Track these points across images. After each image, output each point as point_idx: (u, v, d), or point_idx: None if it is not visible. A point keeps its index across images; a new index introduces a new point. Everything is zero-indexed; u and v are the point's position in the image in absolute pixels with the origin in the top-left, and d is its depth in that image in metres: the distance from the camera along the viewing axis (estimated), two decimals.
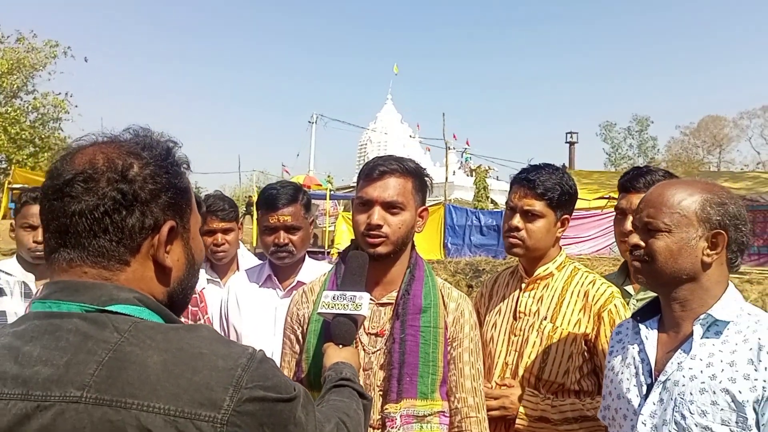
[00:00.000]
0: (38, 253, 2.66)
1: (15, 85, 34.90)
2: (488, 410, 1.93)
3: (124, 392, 0.85)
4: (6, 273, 2.41)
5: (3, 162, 35.45)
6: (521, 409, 1.99)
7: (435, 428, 1.76)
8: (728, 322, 1.50)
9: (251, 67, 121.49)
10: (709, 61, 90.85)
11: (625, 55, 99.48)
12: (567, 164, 32.28)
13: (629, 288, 2.29)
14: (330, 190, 24.41)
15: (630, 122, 56.66)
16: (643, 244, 1.56)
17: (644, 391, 1.56)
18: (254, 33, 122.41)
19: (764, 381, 1.39)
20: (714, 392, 1.42)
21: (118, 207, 0.94)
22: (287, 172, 38.64)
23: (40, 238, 2.65)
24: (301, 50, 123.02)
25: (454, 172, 42.90)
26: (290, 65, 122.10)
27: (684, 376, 1.47)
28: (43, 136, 35.50)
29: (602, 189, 16.08)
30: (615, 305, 2.01)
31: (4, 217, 27.17)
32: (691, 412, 1.44)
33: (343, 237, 17.38)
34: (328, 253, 16.87)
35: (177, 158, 1.05)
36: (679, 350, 1.52)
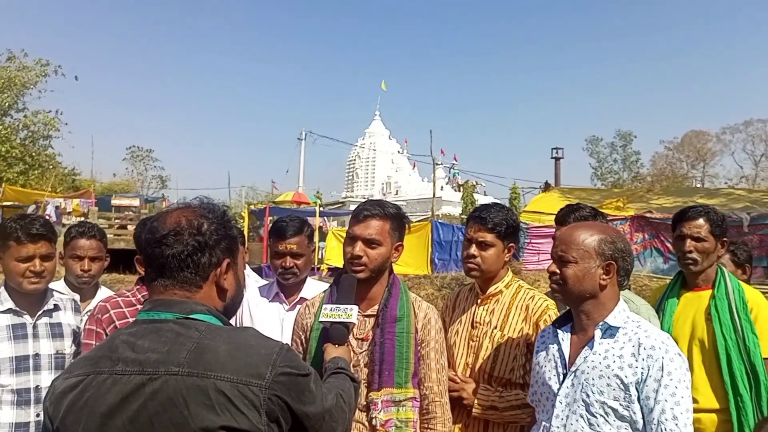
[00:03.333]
0: (84, 279, 3.18)
1: (6, 104, 34.88)
2: (450, 396, 2.46)
3: (205, 368, 1.36)
4: (59, 292, 2.90)
5: None
6: (476, 401, 2.50)
7: (409, 411, 2.30)
8: (619, 328, 2.01)
9: (241, 84, 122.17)
10: (691, 76, 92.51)
11: (610, 71, 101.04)
12: (553, 180, 32.91)
13: None
14: (319, 206, 24.86)
15: (614, 137, 57.26)
16: (558, 271, 2.09)
17: (561, 379, 2.08)
18: (244, 51, 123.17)
19: (642, 368, 1.91)
20: (608, 377, 1.94)
21: (196, 251, 1.47)
22: (276, 188, 39.06)
23: (87, 267, 3.16)
24: (291, 68, 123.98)
25: (442, 187, 43.40)
26: (280, 83, 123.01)
27: (588, 367, 2.00)
28: (33, 154, 35.51)
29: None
30: (549, 315, 2.53)
31: None
32: (592, 392, 1.96)
33: (334, 253, 17.77)
34: (318, 269, 17.28)
35: (229, 217, 1.59)
36: (585, 348, 2.05)
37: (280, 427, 1.40)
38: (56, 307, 2.76)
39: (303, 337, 2.42)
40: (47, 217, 3.44)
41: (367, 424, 2.28)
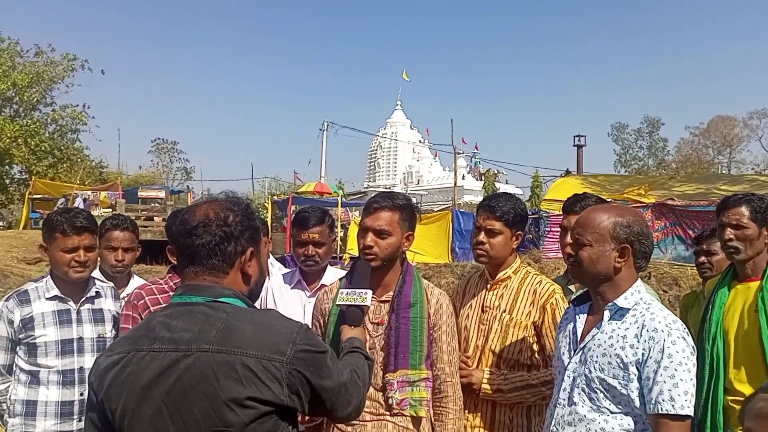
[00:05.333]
0: (118, 268, 3.38)
1: (34, 98, 35.40)
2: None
3: (233, 345, 1.51)
4: (100, 280, 3.11)
5: (23, 173, 36.26)
6: (484, 385, 2.63)
7: (422, 390, 2.45)
8: (628, 309, 2.05)
9: (264, 76, 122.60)
10: (718, 61, 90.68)
11: (633, 57, 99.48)
12: (575, 167, 32.69)
13: (572, 287, 2.94)
14: (341, 196, 25.02)
15: (641, 123, 56.41)
16: (574, 253, 2.16)
17: (571, 354, 2.17)
18: (267, 43, 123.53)
19: (643, 349, 1.95)
20: (610, 356, 2.01)
21: (223, 241, 1.63)
22: (299, 179, 39.12)
23: (120, 257, 3.36)
24: (312, 59, 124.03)
25: (463, 176, 43.23)
26: (302, 74, 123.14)
27: (594, 344, 2.08)
28: (61, 147, 36.06)
29: (605, 192, 16.42)
30: (555, 299, 2.66)
31: (25, 227, 27.98)
32: (594, 369, 2.04)
33: (356, 243, 17.87)
34: (340, 258, 17.44)
35: (252, 209, 1.74)
36: (595, 327, 2.09)
37: (300, 399, 1.56)
38: (98, 294, 2.95)
39: (322, 320, 2.59)
40: None
41: (383, 403, 2.44)
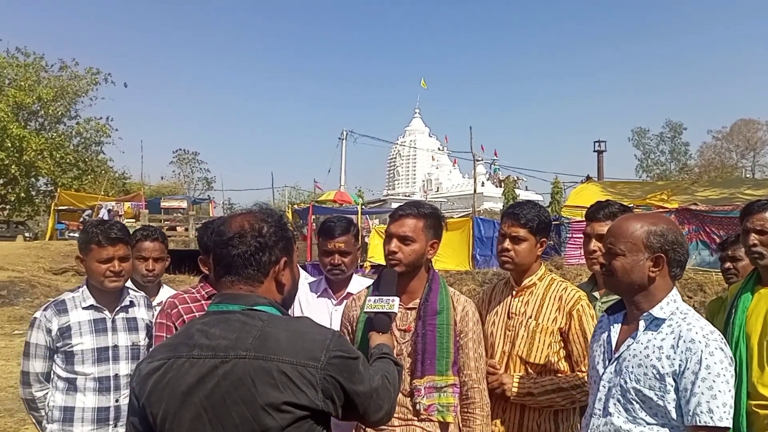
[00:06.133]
0: (149, 278, 3.46)
1: (59, 112, 35.97)
2: (489, 387, 2.63)
3: (269, 352, 1.56)
4: (134, 290, 3.18)
5: (49, 185, 36.90)
6: (514, 388, 2.64)
7: (449, 396, 2.48)
8: (664, 319, 2.01)
9: (283, 87, 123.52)
10: (741, 63, 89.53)
11: (653, 61, 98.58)
12: (596, 173, 32.45)
13: (596, 293, 2.96)
14: (361, 204, 25.09)
15: (663, 128, 55.93)
16: (607, 263, 2.13)
17: (606, 364, 2.15)
18: (287, 55, 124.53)
19: (680, 360, 1.91)
20: (646, 367, 1.96)
21: (258, 251, 1.68)
22: (319, 188, 39.33)
23: (151, 267, 3.45)
24: (331, 69, 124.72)
25: (483, 183, 43.10)
26: (321, 84, 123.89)
27: (629, 354, 2.06)
28: (86, 159, 36.62)
29: (626, 199, 16.30)
30: (582, 306, 2.67)
31: (51, 238, 28.41)
32: (630, 379, 1.99)
33: (377, 250, 17.99)
34: (361, 266, 17.50)
35: (285, 221, 1.80)
36: (630, 337, 2.06)
37: (334, 404, 1.60)
38: (131, 303, 3.03)
39: (350, 327, 2.64)
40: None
41: (411, 408, 2.47)
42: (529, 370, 2.70)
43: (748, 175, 45.21)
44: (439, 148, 54.93)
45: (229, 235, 1.69)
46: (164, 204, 30.14)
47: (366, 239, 20.15)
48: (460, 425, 2.54)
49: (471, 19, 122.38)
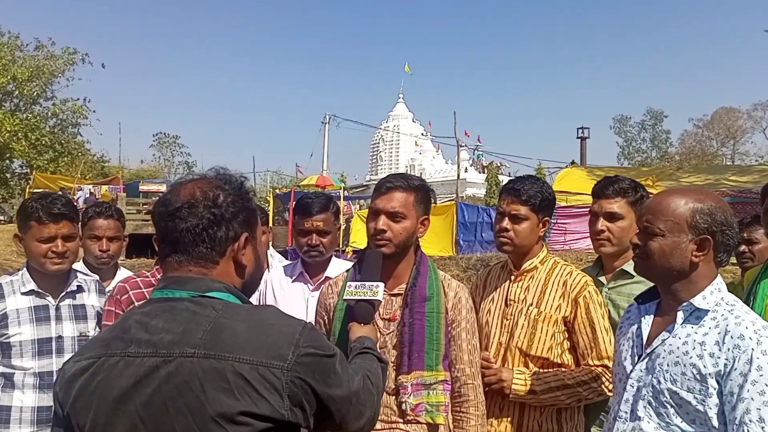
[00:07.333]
0: (103, 259, 3.13)
1: (34, 92, 35.40)
2: (485, 383, 2.35)
3: (223, 349, 1.26)
4: (84, 273, 2.85)
5: (24, 167, 36.14)
6: (514, 386, 2.37)
7: (440, 394, 2.18)
8: (707, 311, 1.74)
9: (265, 70, 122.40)
10: (722, 53, 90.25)
11: (635, 50, 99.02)
12: (579, 159, 32.47)
13: (602, 278, 2.67)
14: (344, 189, 24.83)
15: (644, 116, 56.53)
16: (641, 243, 1.83)
17: (636, 360, 1.87)
18: (268, 35, 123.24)
19: (726, 359, 1.63)
20: (684, 365, 1.69)
21: (212, 224, 1.37)
22: (301, 172, 39.02)
23: (105, 247, 3.12)
24: (315, 51, 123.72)
25: (466, 169, 43.08)
26: (303, 67, 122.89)
27: (665, 351, 1.77)
28: (62, 142, 36.00)
29: None
30: (589, 292, 2.40)
31: None
32: (665, 379, 1.73)
33: (359, 235, 17.81)
34: (343, 251, 17.27)
35: (247, 188, 1.48)
36: (665, 330, 1.79)
37: (304, 412, 1.31)
38: (80, 289, 2.71)
39: (326, 317, 2.32)
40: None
41: (396, 408, 2.18)
42: (530, 363, 2.44)
43: (728, 163, 45.65)
44: (422, 134, 54.64)
45: (176, 205, 1.38)
46: (143, 188, 29.56)
47: (349, 224, 19.88)
48: (451, 427, 2.25)
49: (456, 4, 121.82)
